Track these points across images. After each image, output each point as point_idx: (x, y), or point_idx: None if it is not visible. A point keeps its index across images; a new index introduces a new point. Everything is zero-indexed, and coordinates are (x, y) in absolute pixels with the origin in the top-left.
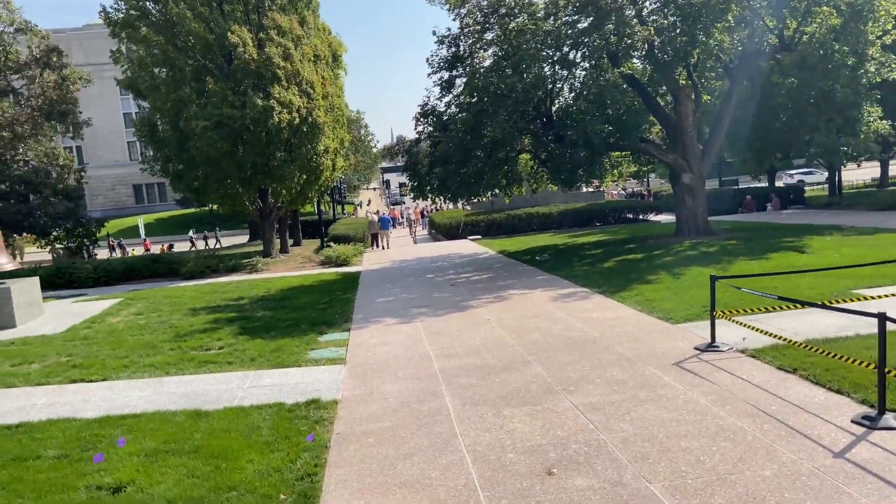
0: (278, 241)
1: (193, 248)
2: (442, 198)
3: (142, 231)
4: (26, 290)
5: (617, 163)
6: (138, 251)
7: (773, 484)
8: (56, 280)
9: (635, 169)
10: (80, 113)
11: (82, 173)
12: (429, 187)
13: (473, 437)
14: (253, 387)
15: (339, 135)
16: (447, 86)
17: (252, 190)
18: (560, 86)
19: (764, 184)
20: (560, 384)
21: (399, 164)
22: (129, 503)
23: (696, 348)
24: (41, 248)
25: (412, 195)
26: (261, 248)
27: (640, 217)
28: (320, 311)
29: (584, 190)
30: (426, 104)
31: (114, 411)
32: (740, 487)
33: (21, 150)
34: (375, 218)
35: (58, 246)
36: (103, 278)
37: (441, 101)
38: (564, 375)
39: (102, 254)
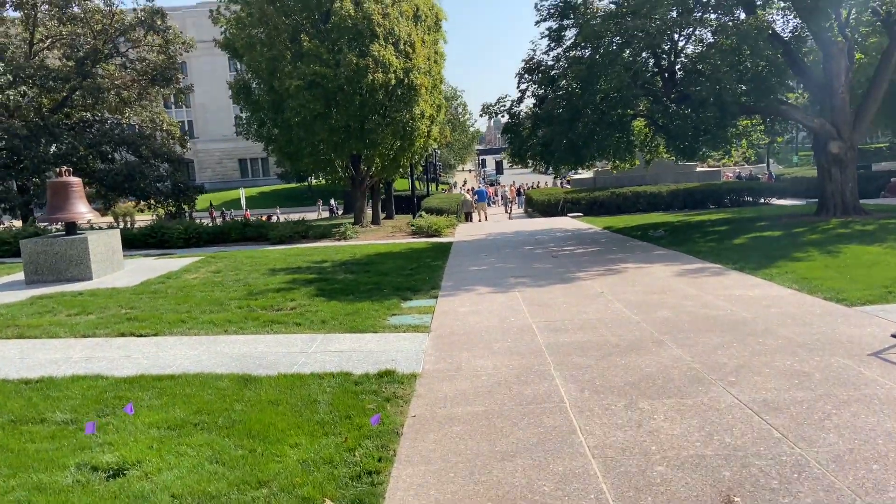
0: (370, 211)
1: (332, 215)
2: (543, 165)
3: (243, 202)
4: (105, 242)
5: (746, 131)
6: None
7: None
8: (149, 239)
9: (767, 141)
10: (184, 77)
11: (185, 138)
12: (530, 152)
13: (601, 437)
14: (318, 352)
15: (436, 100)
16: (556, 36)
17: (344, 155)
18: (686, 38)
19: None
20: (712, 372)
21: (495, 146)
22: (121, 493)
23: (894, 336)
24: (148, 213)
25: (510, 162)
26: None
27: (762, 200)
28: (405, 276)
29: (698, 169)
30: (531, 58)
31: (152, 370)
32: None
33: (127, 113)
34: (468, 196)
35: (160, 211)
36: (194, 239)
37: (548, 54)
38: (716, 361)
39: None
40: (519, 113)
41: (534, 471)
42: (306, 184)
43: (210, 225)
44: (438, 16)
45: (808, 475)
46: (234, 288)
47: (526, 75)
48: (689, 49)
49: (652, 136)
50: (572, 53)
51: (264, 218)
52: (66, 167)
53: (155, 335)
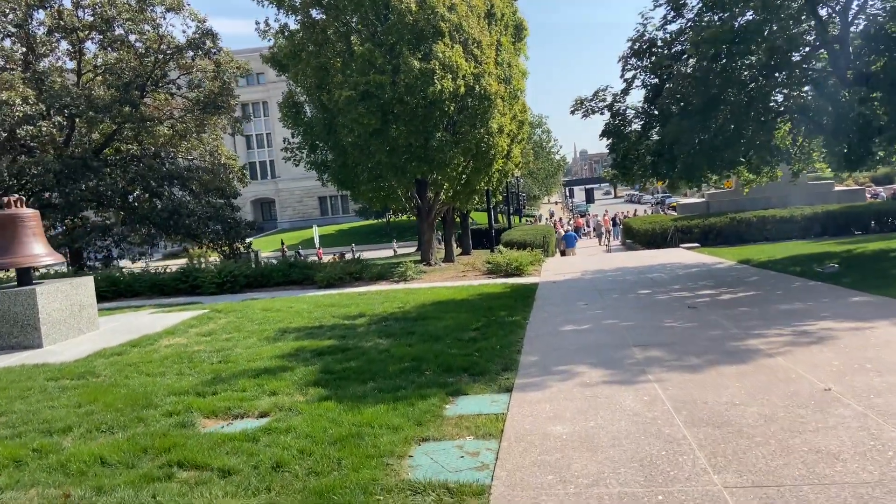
0: (443, 247)
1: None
2: (655, 179)
3: (316, 240)
4: (67, 296)
5: None
6: (312, 260)
7: None
8: (180, 285)
9: None
10: (236, 103)
11: (245, 173)
12: (638, 164)
13: None
14: None
15: (517, 114)
16: (676, 3)
17: (406, 180)
18: None
19: None
20: None
21: (581, 177)
22: None
23: None
24: (213, 253)
25: (610, 178)
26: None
27: None
28: (465, 344)
29: (836, 188)
30: (641, 36)
31: None
32: None
33: (184, 146)
34: (562, 232)
35: (209, 253)
36: (228, 284)
37: (664, 29)
38: None
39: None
40: (624, 110)
41: None
42: (384, 220)
43: (253, 266)
44: (522, 24)
45: None
46: (201, 366)
47: (633, 59)
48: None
49: (802, 138)
50: (703, 18)
51: (336, 257)
52: (17, 196)
53: None
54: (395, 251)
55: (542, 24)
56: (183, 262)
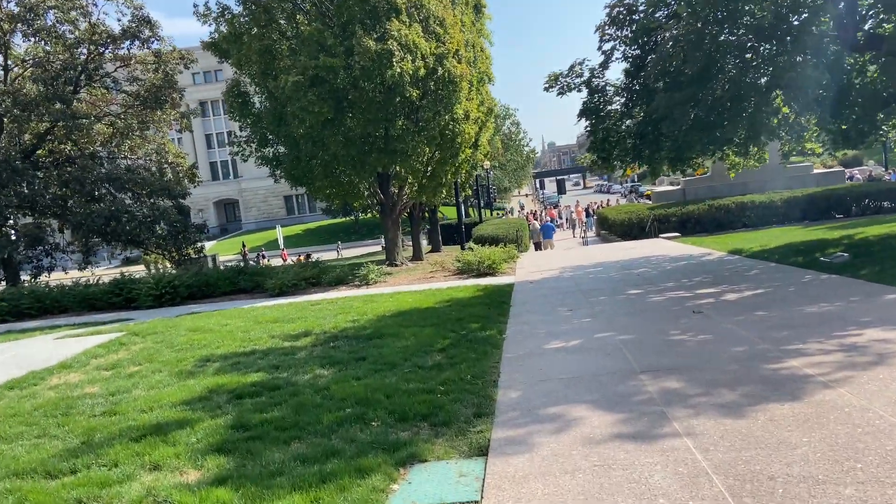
0: (410, 246)
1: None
2: (639, 164)
3: (280, 242)
4: None
5: None
6: (276, 262)
7: None
8: (113, 298)
9: None
10: (181, 96)
11: (195, 172)
12: (618, 148)
13: None
14: None
15: (485, 100)
16: None
17: (367, 174)
18: None
19: None
20: None
21: (551, 169)
22: None
23: None
24: (170, 262)
25: (588, 162)
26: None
27: None
28: (427, 373)
29: (815, 171)
30: (620, 1)
31: None
32: None
33: (126, 146)
34: (538, 224)
35: (160, 259)
36: (168, 296)
37: None
38: None
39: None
40: (603, 86)
41: None
42: (352, 218)
43: (211, 272)
44: (480, 2)
45: None
46: (75, 422)
47: (611, 28)
48: None
49: (795, 114)
50: None
51: (301, 258)
52: None
53: None
54: (383, 247)
55: (506, 13)
56: (141, 268)
